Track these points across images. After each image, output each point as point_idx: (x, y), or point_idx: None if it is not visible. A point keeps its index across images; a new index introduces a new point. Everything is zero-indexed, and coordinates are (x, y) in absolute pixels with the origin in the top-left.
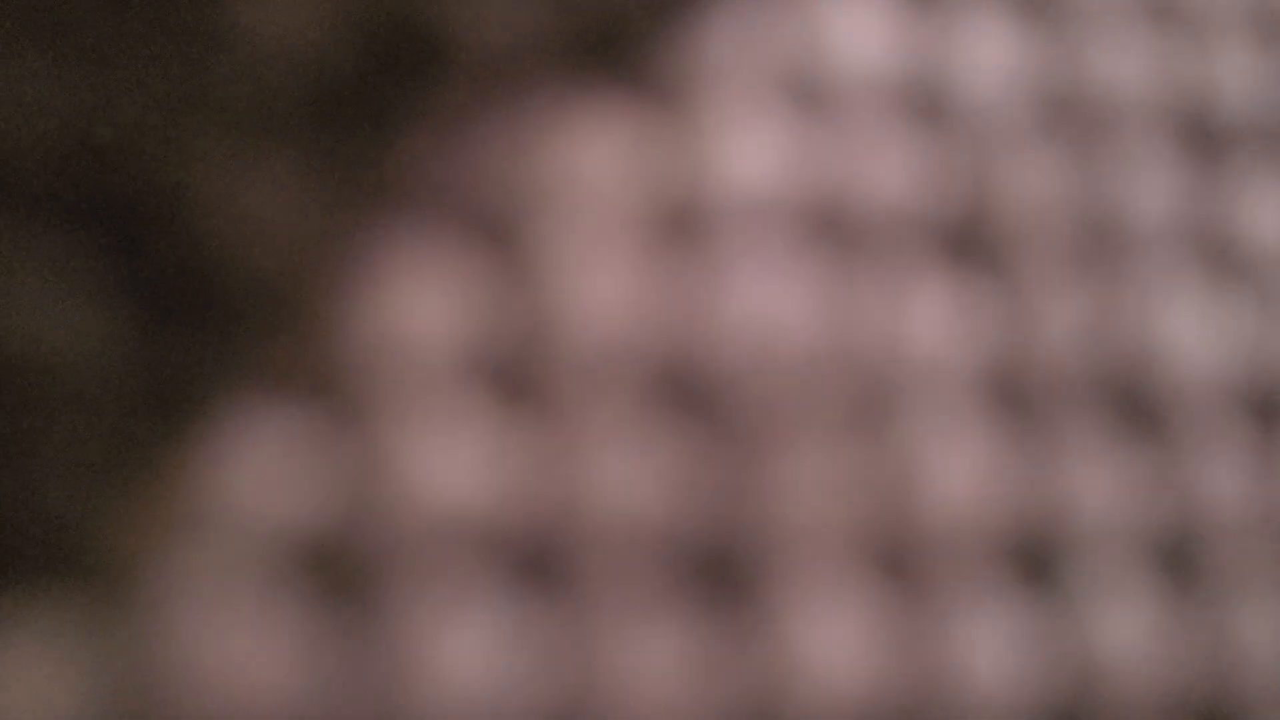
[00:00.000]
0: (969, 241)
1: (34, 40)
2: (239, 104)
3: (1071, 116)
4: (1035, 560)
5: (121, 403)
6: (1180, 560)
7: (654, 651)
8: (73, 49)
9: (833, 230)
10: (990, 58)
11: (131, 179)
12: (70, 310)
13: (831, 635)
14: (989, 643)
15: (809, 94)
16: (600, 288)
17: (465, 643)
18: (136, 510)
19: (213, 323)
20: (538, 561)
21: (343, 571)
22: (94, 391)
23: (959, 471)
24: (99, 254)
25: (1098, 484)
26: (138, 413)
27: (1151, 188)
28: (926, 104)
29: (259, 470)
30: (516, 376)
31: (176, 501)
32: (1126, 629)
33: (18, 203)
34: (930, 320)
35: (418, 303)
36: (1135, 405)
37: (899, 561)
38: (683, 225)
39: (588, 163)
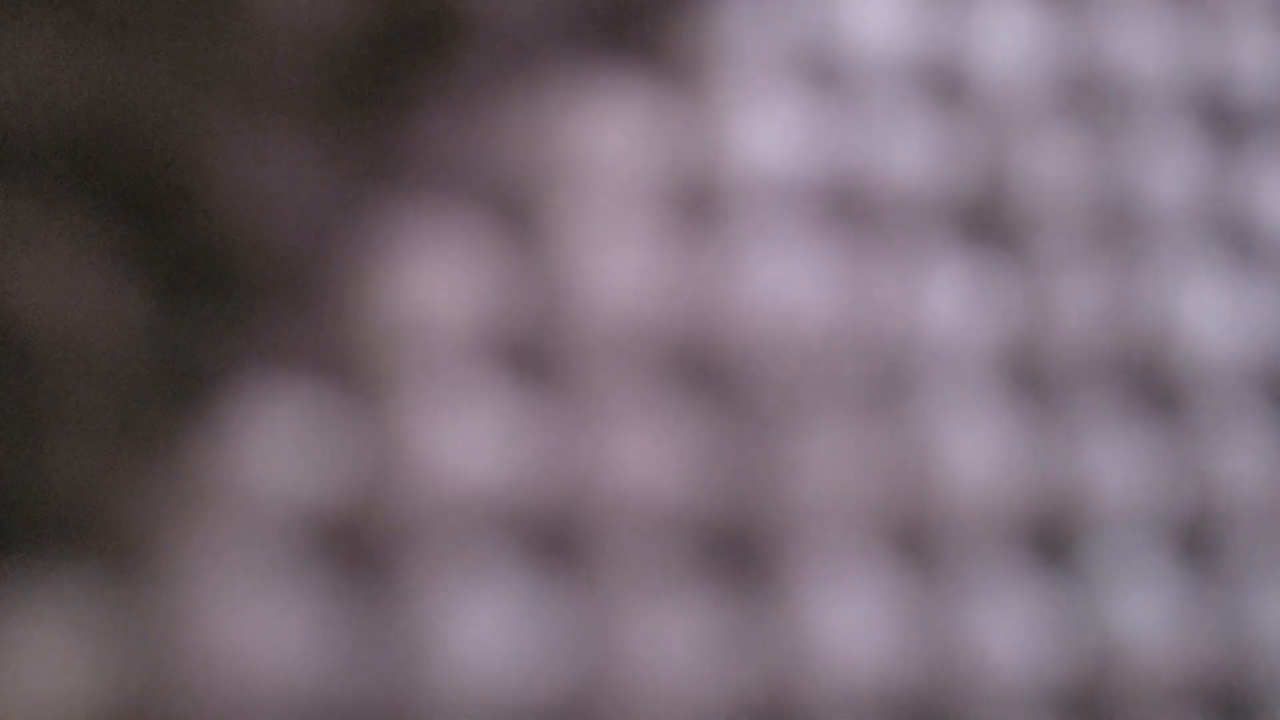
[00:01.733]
0: (986, 222)
1: (52, 19)
2: (256, 81)
3: (1090, 98)
4: (1052, 541)
5: (138, 379)
6: (1198, 542)
7: (671, 631)
8: (90, 28)
9: (850, 210)
10: (1009, 39)
11: (148, 156)
12: (88, 286)
13: (849, 615)
14: (1006, 624)
15: (826, 74)
16: (617, 266)
17: (482, 621)
18: (153, 486)
19: (229, 299)
20: (554, 540)
21: (359, 549)
22: (111, 367)
23: (976, 452)
24: (116, 231)
25: (1115, 466)
26: (155, 389)
27: (1170, 170)
28: (944, 85)
29: (275, 447)
30: (533, 355)
31: (193, 478)
32: (1144, 611)
33: (36, 180)
34: (947, 301)
35: (434, 281)
36: (1153, 387)
37: (916, 542)
38: (700, 204)
39: (605, 141)
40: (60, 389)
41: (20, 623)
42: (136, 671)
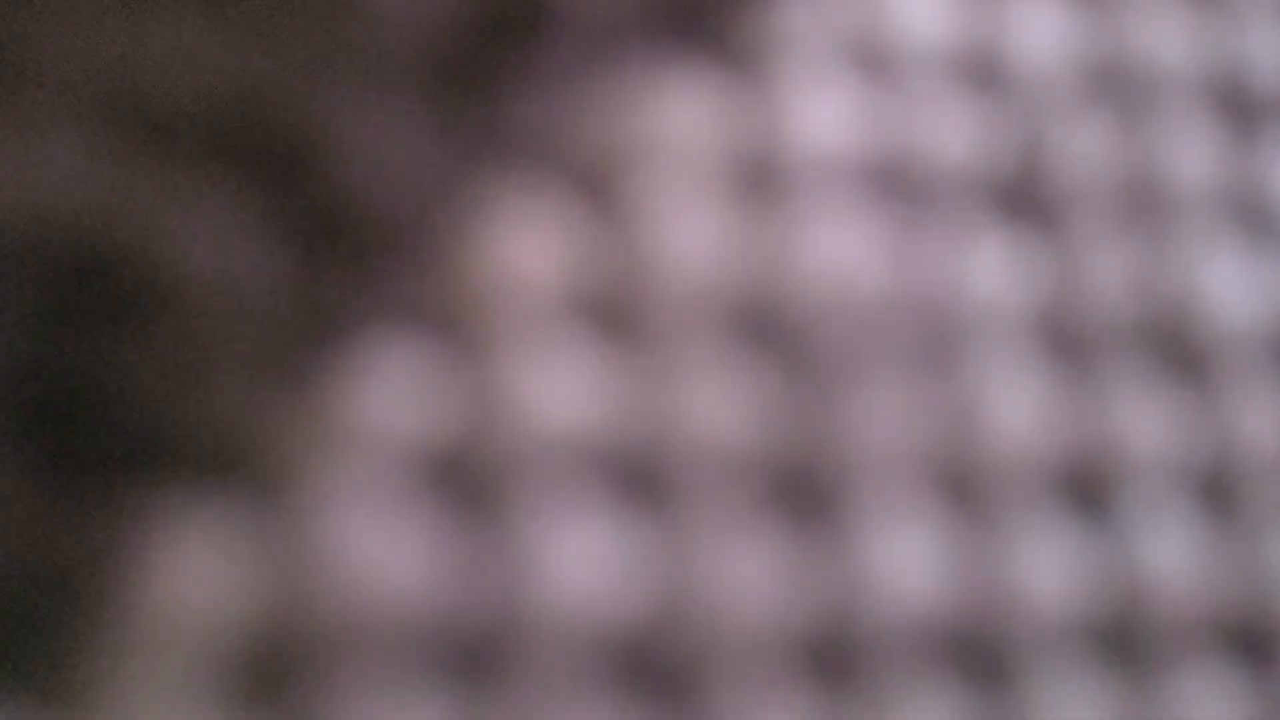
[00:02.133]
0: (1023, 197)
1: (199, 8)
2: (375, 63)
3: (1117, 85)
4: (1086, 488)
5: (279, 324)
6: (1218, 490)
7: (742, 560)
8: (232, 16)
9: (898, 186)
10: (1042, 29)
11: (285, 129)
12: (236, 241)
13: (902, 551)
14: (1045, 561)
15: (876, 61)
16: (689, 234)
17: (573, 546)
18: (292, 421)
19: (354, 256)
20: (636, 476)
21: (466, 481)
22: (257, 313)
23: (1017, 407)
24: (258, 193)
25: (1143, 421)
26: (293, 334)
27: (1191, 152)
28: (983, 72)
29: (393, 389)
30: (615, 313)
31: (326, 414)
32: (1169, 552)
33: (190, 148)
34: (989, 268)
35: (528, 245)
36: (1177, 348)
37: (963, 486)
38: (762, 179)
39: (677, 122)
40: (214, 334)
41: (180, 540)
42: (277, 584)
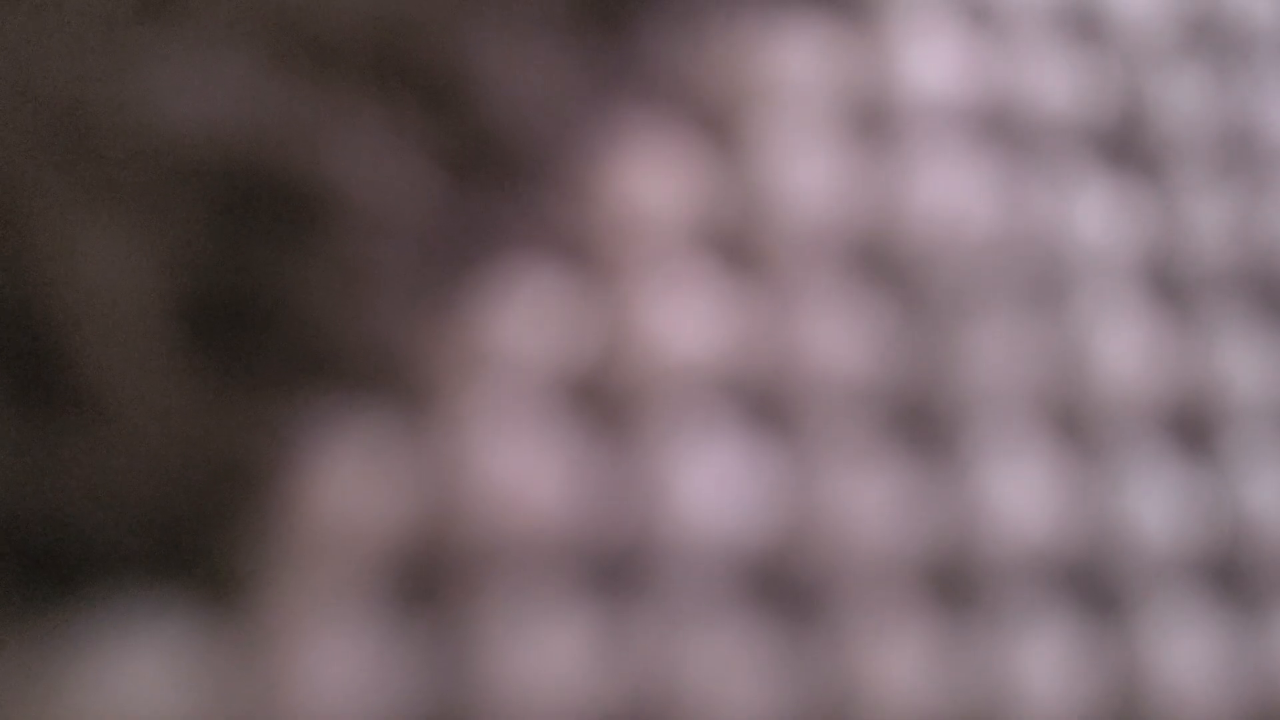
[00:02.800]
0: (1124, 144)
1: None
2: (521, 1)
3: (1212, 37)
4: (1189, 423)
5: (429, 245)
6: None
7: (864, 484)
8: None
9: (1004, 132)
10: None
11: (438, 59)
12: (391, 163)
13: (1016, 478)
14: (1151, 490)
15: (981, 11)
16: (806, 173)
17: (704, 469)
18: (440, 338)
19: (496, 183)
20: (763, 403)
21: (601, 406)
22: (409, 234)
23: (1122, 343)
24: (411, 120)
25: (1244, 361)
26: (441, 255)
27: None
28: (1083, 23)
29: (532, 314)
30: (738, 246)
31: (470, 335)
32: (1273, 488)
33: (351, 74)
34: (1092, 212)
35: (657, 178)
36: (1276, 294)
37: (1072, 419)
38: (874, 121)
39: (794, 65)
40: (369, 252)
41: (336, 449)
42: (426, 496)
